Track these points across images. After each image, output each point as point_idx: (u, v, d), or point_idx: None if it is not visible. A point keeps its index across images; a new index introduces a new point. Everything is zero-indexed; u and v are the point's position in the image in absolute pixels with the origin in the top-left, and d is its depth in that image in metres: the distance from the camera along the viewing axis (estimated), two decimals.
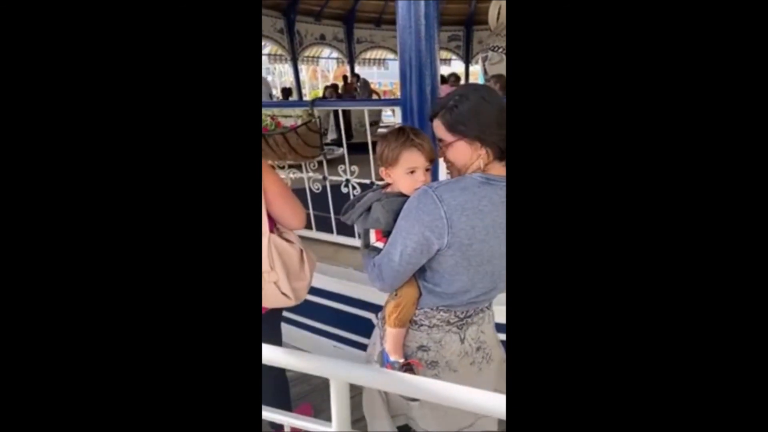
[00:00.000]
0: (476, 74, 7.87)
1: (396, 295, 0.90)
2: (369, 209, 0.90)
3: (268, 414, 0.74)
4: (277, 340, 1.34)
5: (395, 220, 0.85)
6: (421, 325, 0.90)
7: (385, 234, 0.89)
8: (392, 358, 0.90)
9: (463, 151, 0.83)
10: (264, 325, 1.27)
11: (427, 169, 0.89)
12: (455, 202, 0.77)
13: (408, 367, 0.89)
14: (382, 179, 0.96)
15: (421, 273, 0.88)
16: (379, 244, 0.89)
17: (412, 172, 0.88)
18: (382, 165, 0.91)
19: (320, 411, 1.59)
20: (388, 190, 0.93)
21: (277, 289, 1.09)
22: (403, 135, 0.87)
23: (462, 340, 0.91)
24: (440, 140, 0.87)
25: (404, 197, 0.87)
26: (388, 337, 0.91)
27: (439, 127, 0.85)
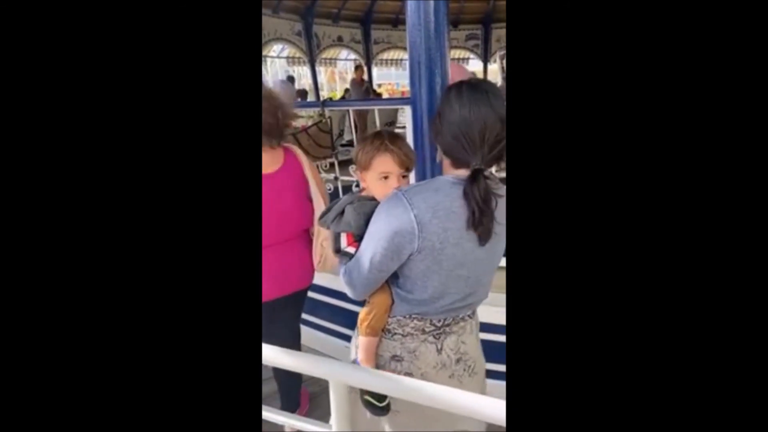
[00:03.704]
0: (495, 73, 7.76)
1: (368, 301, 0.87)
2: (342, 212, 0.88)
3: (268, 414, 0.73)
4: (298, 321, 1.44)
5: (367, 224, 0.83)
6: (395, 333, 0.86)
7: (357, 238, 0.87)
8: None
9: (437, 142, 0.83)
10: (294, 307, 1.39)
11: (403, 176, 0.88)
12: (425, 205, 0.75)
13: None
14: None
15: (393, 279, 0.85)
16: (351, 249, 0.87)
17: (385, 177, 0.87)
18: (357, 168, 0.91)
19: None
20: (363, 193, 0.92)
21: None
22: (378, 139, 0.86)
23: (439, 351, 0.87)
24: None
25: (377, 201, 0.86)
26: (360, 346, 0.88)
27: None
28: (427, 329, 0.85)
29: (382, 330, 0.87)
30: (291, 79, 6.40)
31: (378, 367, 0.88)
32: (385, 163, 0.86)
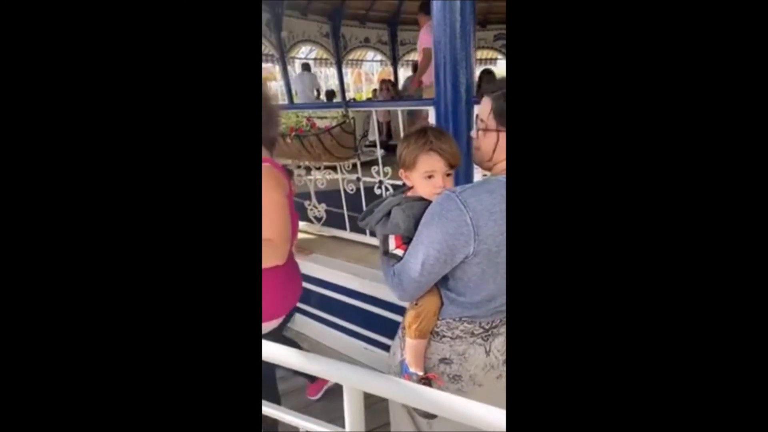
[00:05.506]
0: None
1: (416, 304, 0.85)
2: (388, 214, 0.86)
3: (282, 415, 0.73)
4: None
5: (416, 226, 0.81)
6: (443, 336, 0.85)
7: (405, 240, 0.84)
8: (411, 370, 0.86)
9: (493, 142, 0.78)
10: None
11: (447, 174, 0.84)
12: (482, 207, 0.72)
13: (426, 381, 0.84)
14: None
15: (443, 282, 0.83)
16: (399, 252, 0.85)
17: (430, 176, 0.83)
18: (401, 167, 0.88)
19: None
20: (410, 193, 0.89)
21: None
22: (423, 137, 0.83)
23: (487, 353, 0.84)
24: (480, 120, 0.80)
25: (426, 201, 0.83)
26: (408, 348, 0.86)
27: (485, 106, 0.79)
28: (476, 332, 0.84)
29: (430, 332, 0.86)
30: (307, 67, 6.10)
31: (427, 369, 0.87)
32: (430, 161, 0.83)
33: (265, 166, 1.05)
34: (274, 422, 1.13)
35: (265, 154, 1.12)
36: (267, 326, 1.15)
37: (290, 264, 1.19)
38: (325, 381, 1.64)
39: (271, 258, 1.03)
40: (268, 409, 0.75)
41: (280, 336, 1.29)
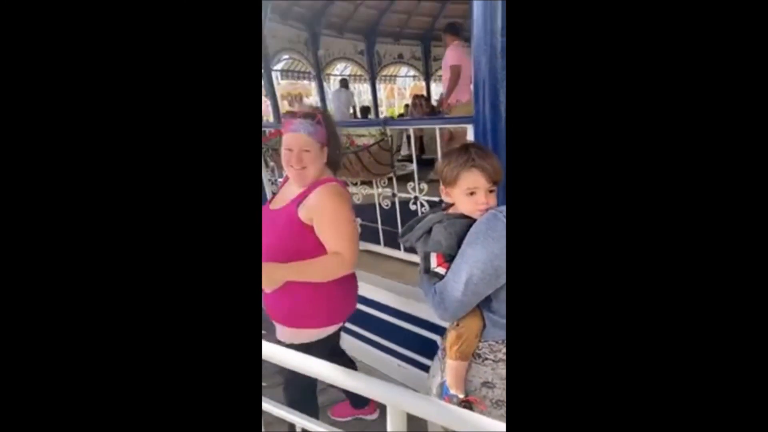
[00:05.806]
0: None
1: (457, 325, 0.83)
2: (429, 231, 0.85)
3: (319, 429, 0.74)
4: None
5: (458, 244, 0.80)
6: (486, 359, 0.83)
7: (447, 258, 0.83)
8: (452, 392, 0.84)
9: None
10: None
11: (490, 191, 0.83)
12: None
13: (467, 404, 0.82)
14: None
15: (485, 303, 0.81)
16: (441, 270, 0.84)
17: (472, 193, 0.83)
18: (442, 183, 0.88)
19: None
20: (451, 210, 0.89)
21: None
22: (465, 154, 0.83)
23: None
24: None
25: (468, 219, 0.82)
26: (448, 370, 0.85)
27: None
28: None
29: (472, 354, 0.84)
30: (345, 83, 6.23)
31: (468, 392, 0.85)
32: (472, 179, 0.83)
33: (333, 185, 1.16)
34: None
35: (329, 174, 1.22)
36: (326, 331, 1.22)
37: (351, 274, 1.27)
38: (355, 411, 1.64)
39: (340, 270, 1.13)
40: (307, 422, 0.76)
41: (336, 343, 1.35)
